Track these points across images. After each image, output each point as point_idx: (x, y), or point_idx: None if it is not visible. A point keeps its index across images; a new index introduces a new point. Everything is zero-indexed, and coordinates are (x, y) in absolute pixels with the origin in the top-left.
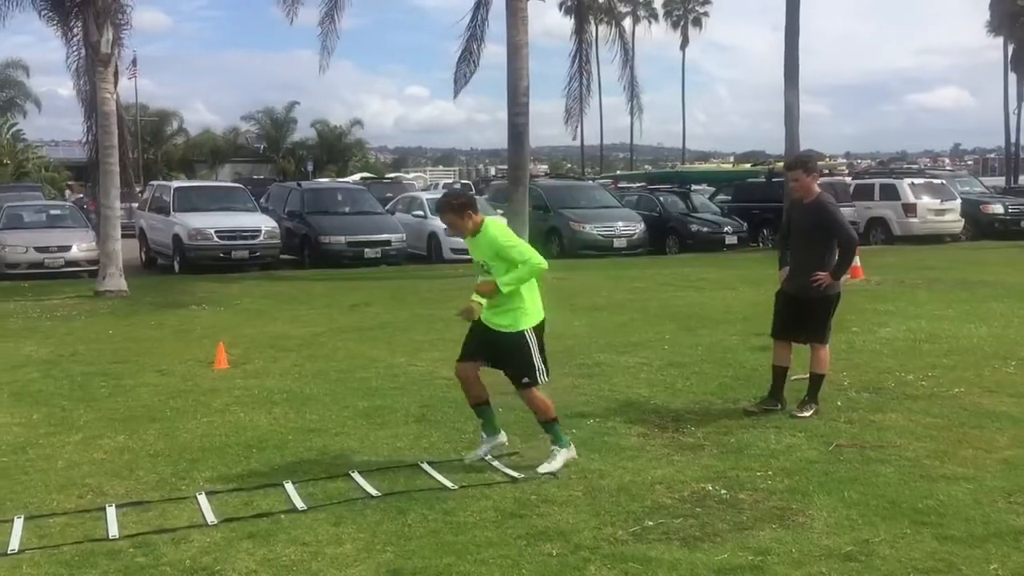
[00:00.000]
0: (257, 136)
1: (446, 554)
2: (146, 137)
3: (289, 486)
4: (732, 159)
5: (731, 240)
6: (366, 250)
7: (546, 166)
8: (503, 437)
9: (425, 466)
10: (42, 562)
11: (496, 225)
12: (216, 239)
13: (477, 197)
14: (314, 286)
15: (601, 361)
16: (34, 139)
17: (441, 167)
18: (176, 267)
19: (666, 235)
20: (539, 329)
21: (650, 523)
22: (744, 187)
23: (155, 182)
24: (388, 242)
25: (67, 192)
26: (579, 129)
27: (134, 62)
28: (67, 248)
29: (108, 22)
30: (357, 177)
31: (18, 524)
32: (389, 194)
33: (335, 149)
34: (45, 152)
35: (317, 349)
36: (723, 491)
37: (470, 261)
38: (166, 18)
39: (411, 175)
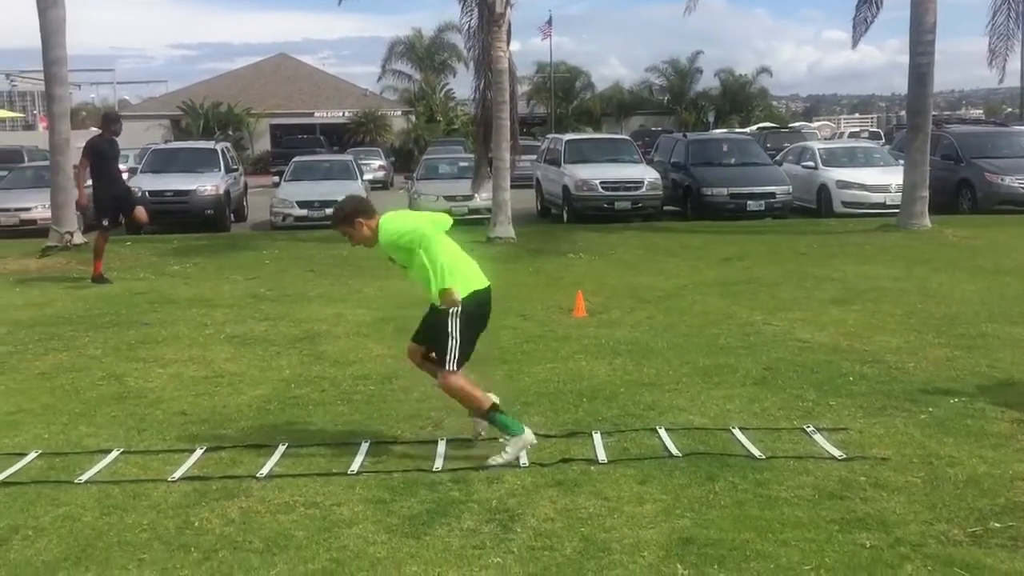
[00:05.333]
0: (661, 88)
1: (746, 529)
2: (558, 93)
3: (597, 436)
4: None
5: None
6: (749, 202)
7: (981, 110)
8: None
9: (736, 431)
10: (372, 485)
11: (386, 223)
12: (600, 190)
13: (368, 202)
14: (690, 238)
15: (987, 332)
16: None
17: (857, 115)
18: (564, 216)
19: None
20: (476, 300)
21: (996, 525)
22: None
23: (550, 135)
24: (772, 194)
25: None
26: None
27: (549, 22)
28: (471, 197)
29: None
30: (754, 128)
31: (363, 448)
32: (786, 144)
33: (738, 99)
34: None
35: (675, 302)
36: None
37: (864, 215)
38: None
39: (816, 124)
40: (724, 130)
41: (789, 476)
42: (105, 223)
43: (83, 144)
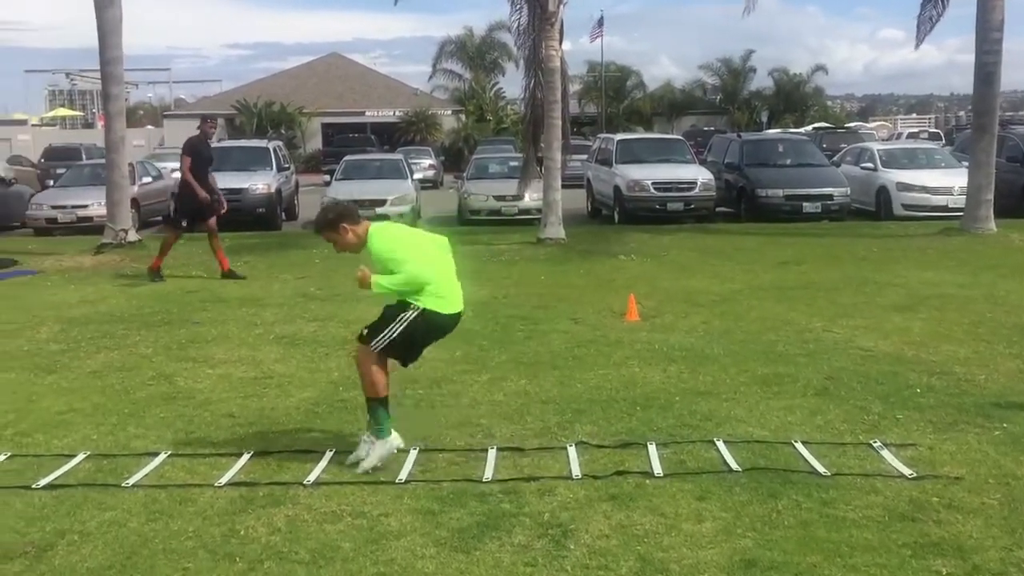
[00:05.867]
0: (713, 88)
1: (812, 551)
2: (609, 92)
3: (652, 447)
4: None
5: None
6: (805, 204)
7: None
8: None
9: (798, 445)
10: (421, 494)
11: (379, 233)
12: (652, 190)
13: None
14: (744, 240)
15: None
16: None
17: (915, 115)
18: (616, 217)
19: None
20: (434, 318)
21: None
22: None
23: (602, 134)
24: (830, 196)
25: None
26: None
27: (600, 23)
28: (521, 197)
29: None
30: (810, 128)
31: (412, 455)
32: (843, 145)
33: (792, 98)
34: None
35: (730, 306)
36: None
37: (925, 218)
38: None
39: (872, 124)
40: (778, 130)
41: (857, 495)
42: (183, 223)
43: (174, 142)
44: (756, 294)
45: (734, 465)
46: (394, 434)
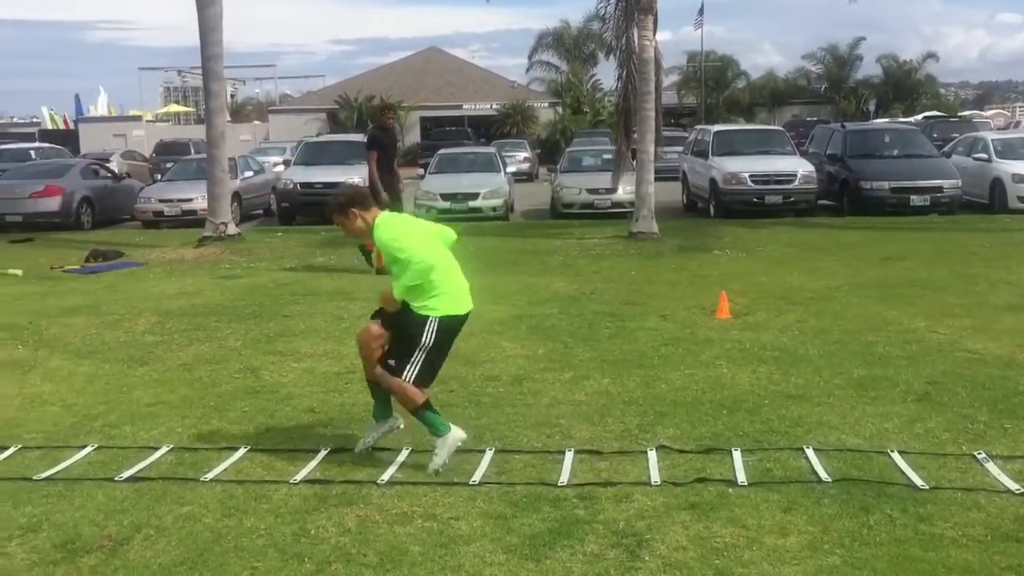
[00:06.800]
0: (818, 76)
1: (905, 572)
2: (709, 82)
3: (737, 454)
4: None
5: None
6: (912, 197)
7: None
8: (399, 421)
9: (895, 455)
10: (494, 498)
11: (385, 223)
12: (750, 183)
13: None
14: (846, 235)
15: None
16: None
17: None
18: (711, 211)
19: None
20: (451, 323)
21: None
22: None
23: (698, 126)
24: (939, 188)
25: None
26: None
27: (700, 11)
28: (614, 190)
29: None
30: (919, 117)
31: (487, 456)
32: (955, 134)
33: (902, 86)
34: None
35: (828, 304)
36: None
37: None
38: None
39: (988, 112)
40: (885, 120)
41: (957, 511)
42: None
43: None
44: (856, 291)
45: (824, 475)
46: (453, 428)
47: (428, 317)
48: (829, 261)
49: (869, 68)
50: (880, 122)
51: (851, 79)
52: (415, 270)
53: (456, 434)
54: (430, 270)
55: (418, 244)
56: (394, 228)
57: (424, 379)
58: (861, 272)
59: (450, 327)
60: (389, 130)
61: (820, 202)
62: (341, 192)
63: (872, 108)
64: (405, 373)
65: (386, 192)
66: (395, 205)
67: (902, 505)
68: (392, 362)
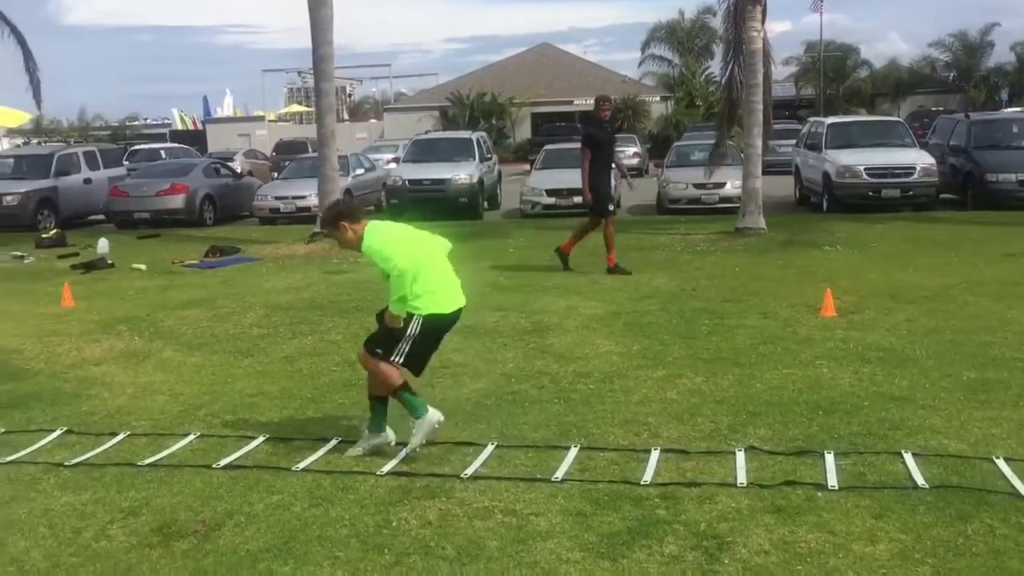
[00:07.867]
0: (946, 64)
1: None
2: (828, 73)
3: (829, 457)
4: None
5: None
6: None
7: None
8: (389, 435)
9: (1000, 462)
10: (575, 495)
11: (372, 232)
12: (865, 177)
13: None
14: (968, 230)
15: None
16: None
17: None
18: (824, 205)
19: None
20: (436, 322)
21: None
22: None
23: (812, 118)
24: None
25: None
26: None
27: None
28: (722, 185)
29: None
30: None
31: (572, 453)
32: None
33: None
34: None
35: (941, 303)
36: None
37: None
38: None
39: None
40: (1017, 109)
41: None
42: (611, 208)
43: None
44: (974, 289)
45: (920, 481)
46: (431, 410)
47: (412, 315)
48: (947, 257)
49: (1002, 56)
50: (1010, 112)
51: (982, 67)
52: (396, 280)
53: (433, 416)
54: (413, 280)
55: (400, 251)
56: (379, 237)
57: (413, 364)
58: (981, 269)
59: (435, 326)
60: (605, 125)
61: (942, 196)
62: (332, 207)
63: (1005, 97)
64: (394, 357)
65: (591, 194)
66: (598, 207)
67: (1003, 515)
68: (380, 351)
